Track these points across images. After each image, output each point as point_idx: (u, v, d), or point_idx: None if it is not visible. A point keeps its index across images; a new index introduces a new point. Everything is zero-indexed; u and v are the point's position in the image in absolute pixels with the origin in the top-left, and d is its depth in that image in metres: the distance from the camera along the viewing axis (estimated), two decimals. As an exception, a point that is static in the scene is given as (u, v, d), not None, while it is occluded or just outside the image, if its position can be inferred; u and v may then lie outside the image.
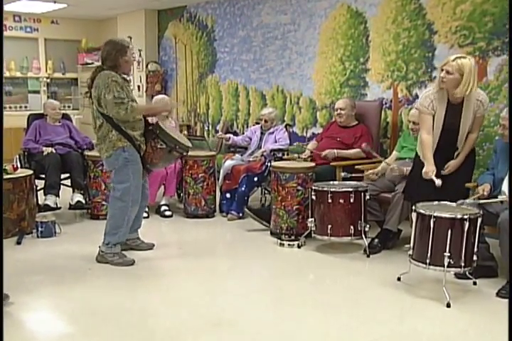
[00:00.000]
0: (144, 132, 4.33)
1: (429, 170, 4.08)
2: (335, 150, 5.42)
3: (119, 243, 4.39)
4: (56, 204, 5.54)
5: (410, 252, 3.76)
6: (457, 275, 3.95)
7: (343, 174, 4.92)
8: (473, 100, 4.12)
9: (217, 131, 8.17)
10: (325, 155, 5.40)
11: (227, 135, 6.49)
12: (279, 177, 5.06)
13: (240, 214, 5.79)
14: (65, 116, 6.43)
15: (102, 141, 4.25)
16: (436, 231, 3.58)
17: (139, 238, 4.78)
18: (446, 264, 3.55)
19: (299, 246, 4.85)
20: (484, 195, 3.93)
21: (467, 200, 3.84)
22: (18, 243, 4.89)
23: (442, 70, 4.06)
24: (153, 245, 4.80)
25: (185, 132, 8.59)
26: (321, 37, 6.56)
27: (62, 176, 5.82)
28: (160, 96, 6.44)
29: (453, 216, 3.57)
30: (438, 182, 3.97)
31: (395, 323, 3.33)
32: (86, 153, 5.91)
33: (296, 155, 5.60)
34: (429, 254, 3.61)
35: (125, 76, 4.37)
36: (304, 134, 6.89)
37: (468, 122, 4.17)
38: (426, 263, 3.63)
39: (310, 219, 4.74)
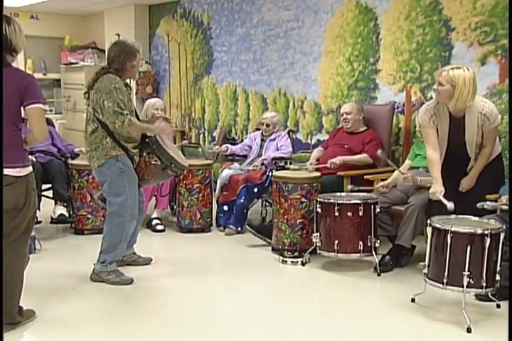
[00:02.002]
0: (138, 144, 4.36)
1: (437, 190, 4.10)
2: (339, 157, 5.38)
3: (115, 261, 4.40)
4: (36, 218, 5.50)
5: (425, 271, 3.74)
6: (478, 297, 3.92)
7: (349, 187, 4.89)
8: (476, 113, 4.13)
9: (214, 139, 8.17)
10: (330, 165, 5.36)
11: (224, 146, 6.47)
12: (281, 188, 5.05)
13: (239, 229, 5.78)
14: (47, 121, 6.38)
15: (94, 148, 4.27)
16: (454, 247, 3.56)
17: (135, 253, 4.82)
18: (465, 284, 3.52)
19: (303, 264, 4.83)
20: (507, 204, 3.89)
21: (488, 202, 3.81)
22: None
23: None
24: (151, 259, 4.86)
25: (185, 142, 8.58)
26: (327, 35, 6.56)
27: (44, 187, 5.79)
28: (154, 100, 6.42)
29: (472, 231, 3.55)
30: (450, 205, 3.95)
31: (410, 349, 3.31)
32: (70, 161, 5.89)
33: (305, 166, 5.53)
34: (446, 273, 3.58)
35: (127, 81, 4.43)
36: (309, 141, 6.88)
37: (473, 138, 4.18)
38: (443, 283, 3.60)
39: (315, 234, 4.72)
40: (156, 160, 4.30)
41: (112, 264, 4.37)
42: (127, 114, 4.15)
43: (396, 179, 4.88)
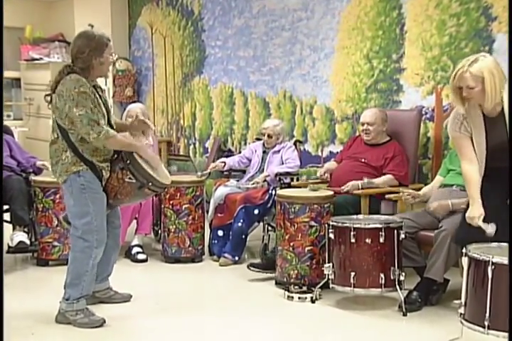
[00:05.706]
0: (110, 157, 4.33)
1: (475, 214, 4.00)
2: (359, 182, 5.33)
3: (83, 296, 4.35)
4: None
5: (462, 310, 3.70)
6: (528, 344, 3.88)
7: None
8: None
9: (206, 150, 8.16)
10: (347, 190, 5.30)
11: (220, 161, 6.44)
12: (286, 210, 5.03)
13: (236, 258, 5.78)
14: (5, 129, 6.39)
15: (55, 162, 4.30)
16: (497, 282, 3.51)
17: (111, 288, 4.78)
18: (512, 328, 3.48)
19: (312, 301, 4.82)
20: None
21: None
22: None
23: (460, 88, 4.01)
24: (131, 296, 4.83)
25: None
26: (341, 27, 6.58)
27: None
28: (130, 106, 6.41)
29: (518, 262, 3.51)
30: (490, 230, 3.90)
31: None
32: (32, 177, 5.86)
33: (308, 179, 5.56)
34: (488, 314, 3.52)
35: (98, 80, 4.43)
36: (319, 153, 6.88)
37: None
38: (484, 327, 3.54)
39: (327, 265, 4.70)
40: (130, 178, 4.26)
41: (81, 302, 4.32)
42: (103, 125, 4.15)
43: (427, 194, 4.93)
